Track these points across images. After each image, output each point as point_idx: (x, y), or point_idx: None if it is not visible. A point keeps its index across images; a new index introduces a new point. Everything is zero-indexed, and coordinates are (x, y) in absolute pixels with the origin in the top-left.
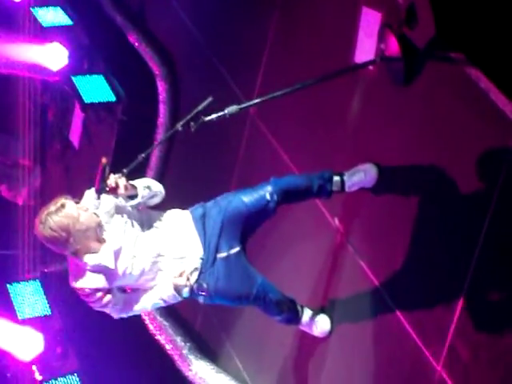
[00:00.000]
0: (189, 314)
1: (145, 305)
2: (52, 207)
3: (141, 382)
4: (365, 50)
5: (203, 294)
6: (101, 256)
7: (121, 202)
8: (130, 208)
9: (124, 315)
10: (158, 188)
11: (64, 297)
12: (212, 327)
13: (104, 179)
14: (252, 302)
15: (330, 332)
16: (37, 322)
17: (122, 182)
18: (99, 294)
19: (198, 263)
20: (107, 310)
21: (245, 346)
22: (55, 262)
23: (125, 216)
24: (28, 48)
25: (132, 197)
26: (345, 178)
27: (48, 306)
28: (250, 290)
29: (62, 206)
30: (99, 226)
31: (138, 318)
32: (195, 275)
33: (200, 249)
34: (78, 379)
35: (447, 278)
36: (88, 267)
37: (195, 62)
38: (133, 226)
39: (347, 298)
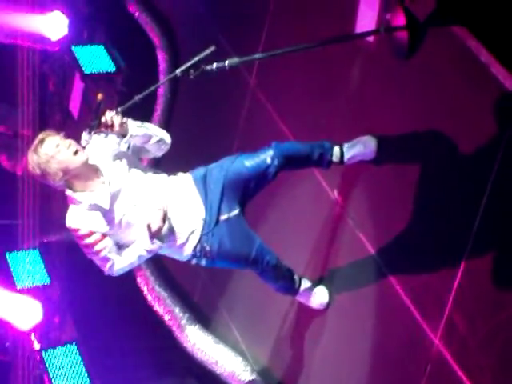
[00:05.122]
0: (187, 285)
1: (131, 258)
2: (34, 144)
3: (139, 352)
4: (366, 21)
5: (206, 256)
6: (96, 195)
7: (112, 143)
8: (135, 159)
9: (112, 270)
10: (157, 131)
11: (63, 266)
12: (210, 298)
13: (98, 115)
14: (250, 265)
15: (328, 304)
16: (35, 292)
17: (117, 119)
18: (95, 237)
19: (199, 224)
20: (98, 260)
21: (243, 318)
22: (54, 232)
23: (128, 164)
24: (28, 17)
25: (124, 136)
26: (344, 149)
27: (47, 275)
28: (250, 251)
29: (41, 142)
30: (92, 166)
31: (136, 288)
32: (196, 235)
33: (202, 210)
34: (76, 348)
35: (446, 251)
36: (84, 206)
37: (196, 32)
38: (136, 176)
39: (345, 270)
